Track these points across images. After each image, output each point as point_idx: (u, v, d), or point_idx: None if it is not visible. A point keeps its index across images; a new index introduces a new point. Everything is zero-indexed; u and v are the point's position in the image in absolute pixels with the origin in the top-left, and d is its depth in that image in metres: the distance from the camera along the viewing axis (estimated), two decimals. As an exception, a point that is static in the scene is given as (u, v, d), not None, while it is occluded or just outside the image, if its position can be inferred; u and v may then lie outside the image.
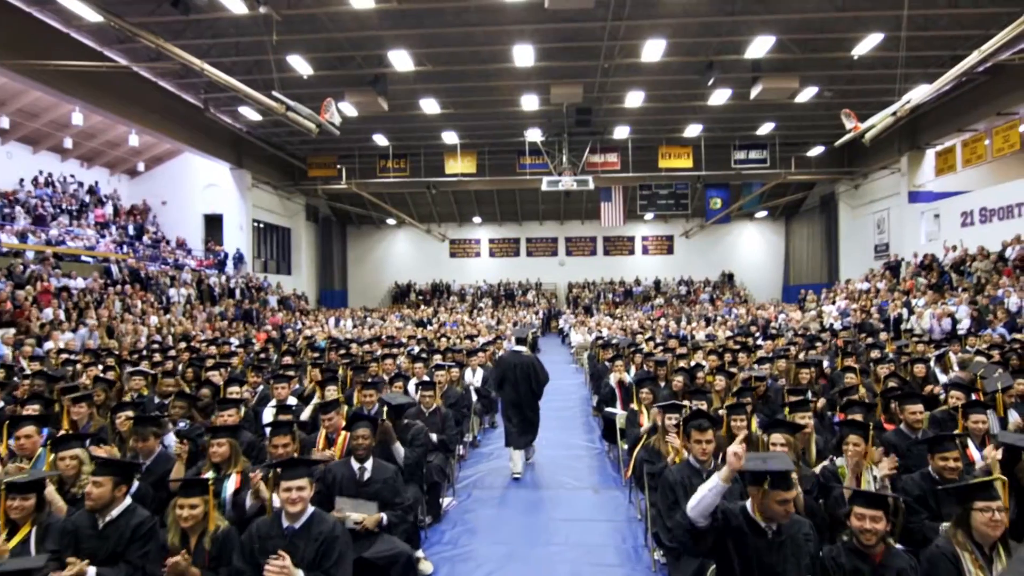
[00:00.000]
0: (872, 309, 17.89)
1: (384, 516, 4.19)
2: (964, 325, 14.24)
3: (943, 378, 8.16)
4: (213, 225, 25.20)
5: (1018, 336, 11.80)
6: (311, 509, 3.45)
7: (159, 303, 17.94)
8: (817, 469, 4.29)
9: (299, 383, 7.91)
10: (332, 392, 6.24)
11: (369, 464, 4.37)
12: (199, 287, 20.28)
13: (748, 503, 3.09)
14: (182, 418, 5.64)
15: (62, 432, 4.98)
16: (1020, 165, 19.60)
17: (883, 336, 13.24)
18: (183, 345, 13.02)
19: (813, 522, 3.24)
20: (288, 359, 10.35)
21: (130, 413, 5.35)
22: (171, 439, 5.07)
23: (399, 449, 5.34)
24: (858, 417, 4.56)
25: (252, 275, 23.85)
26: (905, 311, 16.52)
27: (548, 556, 5.21)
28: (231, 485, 4.14)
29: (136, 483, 4.05)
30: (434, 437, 6.09)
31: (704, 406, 5.14)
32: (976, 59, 12.68)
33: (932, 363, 8.46)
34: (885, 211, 23.78)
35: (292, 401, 6.60)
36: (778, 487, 2.88)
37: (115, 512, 3.42)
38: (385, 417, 5.22)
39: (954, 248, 18.55)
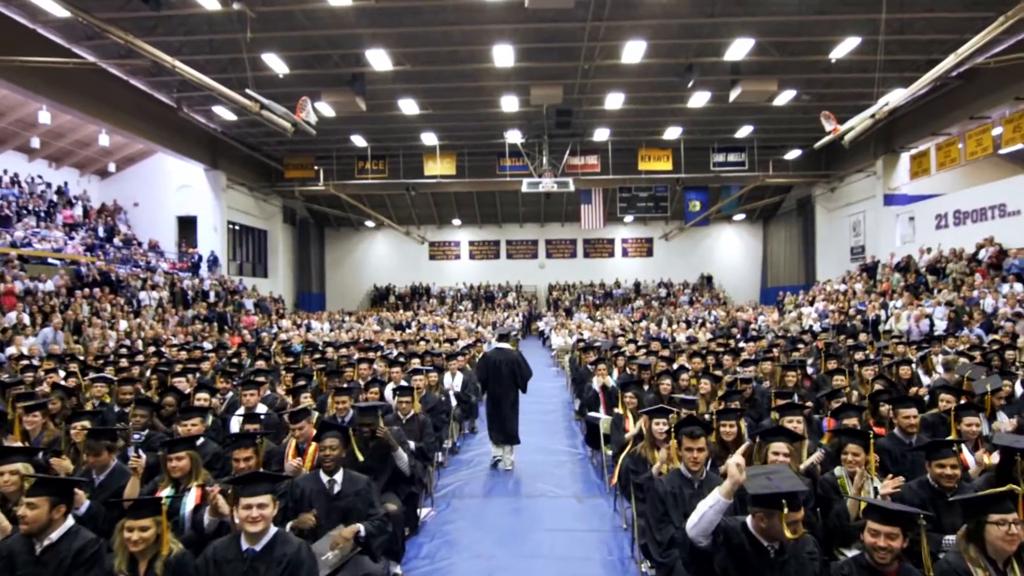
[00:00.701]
0: (851, 311, 17.98)
1: (361, 527, 3.92)
2: (941, 326, 14.33)
3: (926, 380, 8.13)
4: (187, 227, 24.62)
5: (996, 337, 11.86)
6: (274, 529, 3.17)
7: (129, 307, 17.40)
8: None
9: (271, 389, 7.59)
10: (305, 399, 5.96)
11: (339, 476, 4.09)
12: (172, 290, 19.75)
13: (748, 519, 2.90)
14: (144, 427, 5.31)
15: (8, 443, 4.63)
16: (993, 168, 19.91)
17: (863, 337, 13.25)
18: (152, 350, 12.58)
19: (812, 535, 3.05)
20: (261, 364, 10.00)
21: (87, 423, 5.01)
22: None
23: (402, 456, 5.13)
24: (853, 422, 4.41)
25: (227, 278, 23.31)
26: (883, 312, 16.62)
27: (531, 570, 4.99)
28: (191, 501, 3.83)
29: (87, 502, 3.77)
30: (412, 445, 5.84)
31: (693, 412, 4.96)
32: (952, 62, 12.80)
33: (914, 365, 8.42)
34: (861, 214, 23.99)
35: (262, 409, 6.30)
36: (789, 508, 2.69)
37: (54, 536, 3.10)
38: (380, 423, 5.02)
39: (928, 250, 18.74)
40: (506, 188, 25.27)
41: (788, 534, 2.65)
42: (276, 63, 15.44)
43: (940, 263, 17.82)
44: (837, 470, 3.95)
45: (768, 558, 2.82)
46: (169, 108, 19.18)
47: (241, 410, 6.21)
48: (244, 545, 3.10)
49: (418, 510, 5.81)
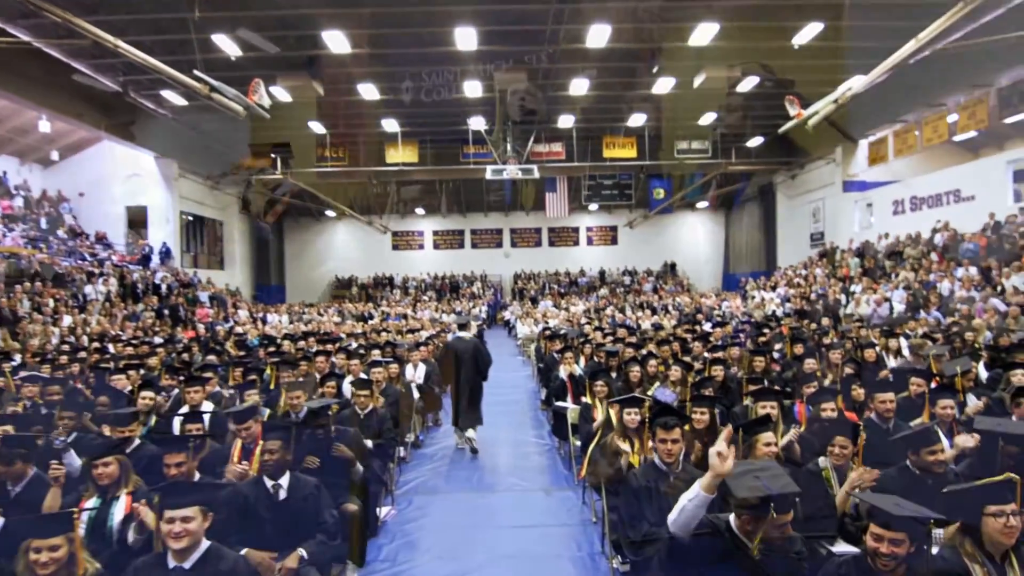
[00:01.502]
0: (812, 296, 18.20)
1: (302, 552, 3.55)
2: (899, 310, 14.56)
3: (891, 363, 8.14)
4: (137, 218, 23.57)
5: (953, 319, 12.05)
6: (205, 544, 2.82)
7: (75, 301, 16.53)
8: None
9: (220, 385, 7.16)
10: (250, 396, 5.57)
11: (285, 480, 3.75)
12: (121, 283, 18.86)
13: (732, 517, 2.68)
14: (73, 430, 4.87)
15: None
16: (947, 155, 20.31)
17: (825, 322, 13.37)
18: (96, 346, 11.92)
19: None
20: (212, 359, 9.50)
21: (9, 428, 4.56)
22: (73, 457, 4.33)
23: (359, 471, 4.85)
24: (831, 406, 4.27)
25: (180, 270, 22.42)
26: (843, 297, 16.86)
27: (497, 571, 4.74)
28: (119, 511, 3.46)
29: (1, 519, 3.36)
30: (369, 443, 5.52)
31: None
32: (912, 48, 12.88)
33: (878, 348, 8.42)
34: (820, 200, 24.32)
35: (208, 407, 5.89)
36: (779, 511, 2.47)
37: (-53, 560, 2.70)
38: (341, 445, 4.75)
39: (886, 236, 19.07)
40: (470, 176, 24.85)
41: (775, 535, 2.45)
42: (227, 45, 14.70)
43: (898, 248, 18.15)
44: (821, 461, 3.77)
45: (753, 560, 2.60)
46: (115, 92, 18.20)
47: (184, 408, 5.78)
48: (171, 563, 2.75)
49: (378, 509, 5.51)
